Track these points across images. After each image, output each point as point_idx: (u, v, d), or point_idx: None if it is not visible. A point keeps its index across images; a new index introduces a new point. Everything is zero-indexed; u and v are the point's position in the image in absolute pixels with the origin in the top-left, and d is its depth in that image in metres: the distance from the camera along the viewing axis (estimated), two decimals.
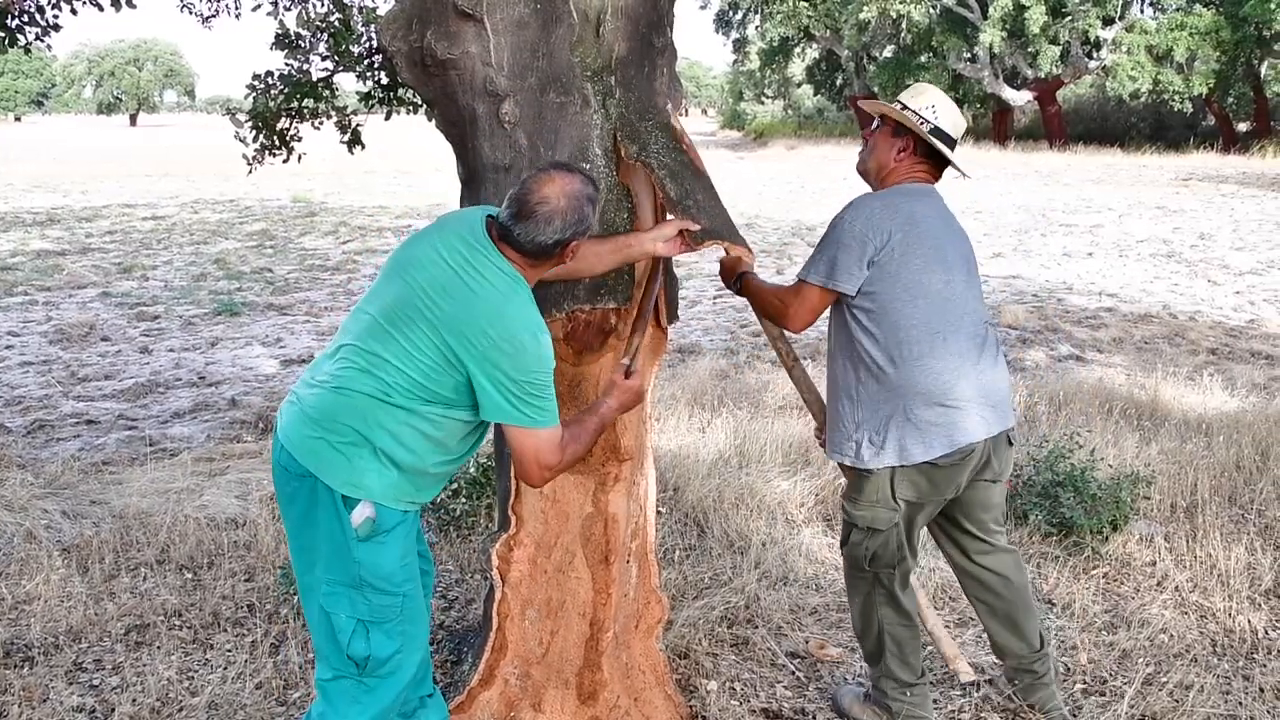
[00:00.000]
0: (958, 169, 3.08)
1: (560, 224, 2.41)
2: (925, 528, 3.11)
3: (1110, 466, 4.99)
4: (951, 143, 2.98)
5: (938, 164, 3.01)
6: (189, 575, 4.14)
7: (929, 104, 2.96)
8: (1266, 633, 3.74)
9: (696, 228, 2.74)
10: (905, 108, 2.97)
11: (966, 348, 2.87)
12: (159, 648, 3.56)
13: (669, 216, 2.85)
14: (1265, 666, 3.52)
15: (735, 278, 3.17)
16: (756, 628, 3.73)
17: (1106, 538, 4.39)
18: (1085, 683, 3.43)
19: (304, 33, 6.56)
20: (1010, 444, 3.03)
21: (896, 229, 2.84)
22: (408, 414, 2.41)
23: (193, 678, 3.39)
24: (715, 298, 11.12)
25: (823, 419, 3.17)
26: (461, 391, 2.43)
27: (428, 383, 2.40)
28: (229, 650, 3.55)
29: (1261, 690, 3.38)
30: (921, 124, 2.94)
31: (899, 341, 2.82)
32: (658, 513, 4.58)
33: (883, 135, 3.02)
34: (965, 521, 3.09)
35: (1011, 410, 3.03)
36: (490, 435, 3.02)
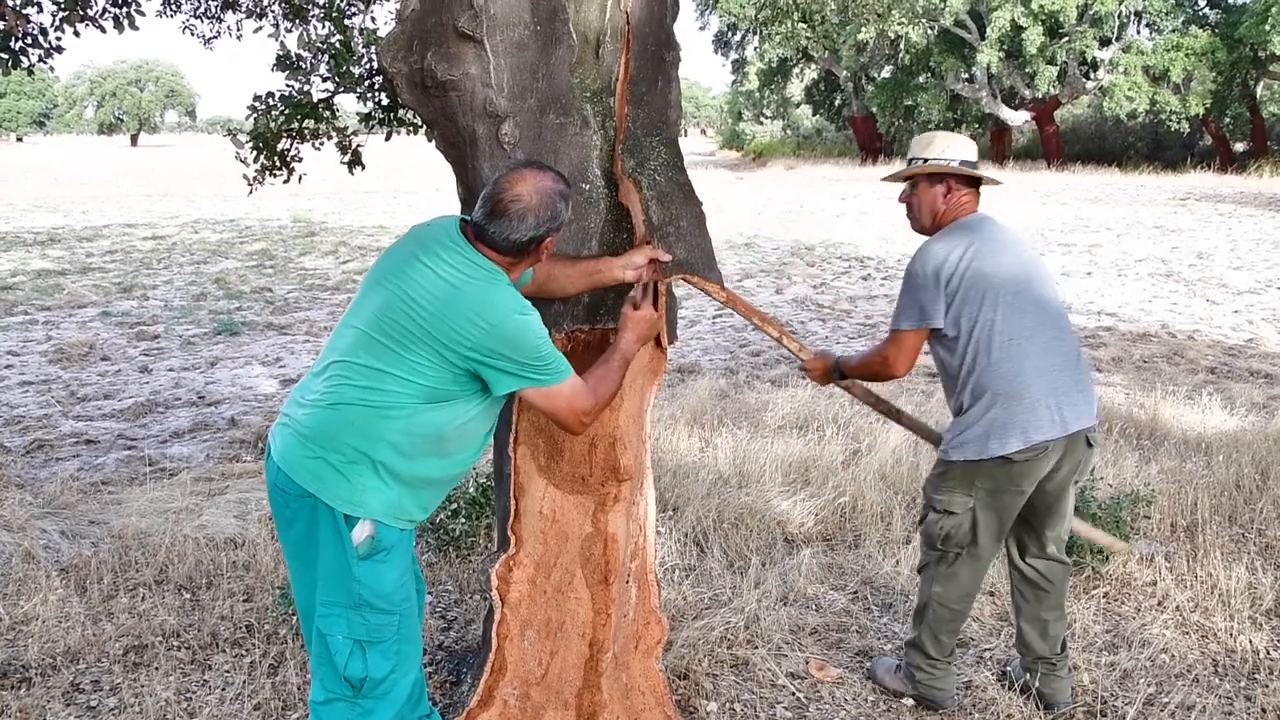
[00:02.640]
0: (993, 181, 3.36)
1: (534, 220, 2.45)
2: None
3: (1110, 486, 4.99)
4: (975, 165, 3.28)
5: (975, 189, 3.29)
6: (187, 595, 4.13)
7: (943, 147, 3.25)
8: (1268, 653, 3.73)
9: (667, 258, 2.77)
10: (926, 160, 3.25)
11: (1041, 351, 3.13)
12: (157, 668, 3.55)
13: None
14: (1267, 687, 3.51)
15: (832, 370, 3.43)
16: (756, 648, 3.72)
17: (1107, 557, 4.38)
18: (1087, 703, 3.41)
19: (305, 54, 6.59)
20: (1090, 445, 3.25)
21: (961, 259, 3.12)
22: (407, 421, 2.42)
23: (190, 699, 3.38)
24: (714, 317, 11.13)
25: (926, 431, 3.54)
26: (463, 382, 2.45)
27: (427, 382, 2.42)
28: (227, 671, 3.54)
29: (1264, 711, 3.36)
30: (951, 165, 3.23)
31: (974, 350, 3.12)
32: (657, 533, 4.57)
33: (923, 190, 3.28)
34: (1034, 521, 3.33)
35: (1093, 412, 3.23)
36: (489, 450, 3.02)
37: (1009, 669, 3.56)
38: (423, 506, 2.55)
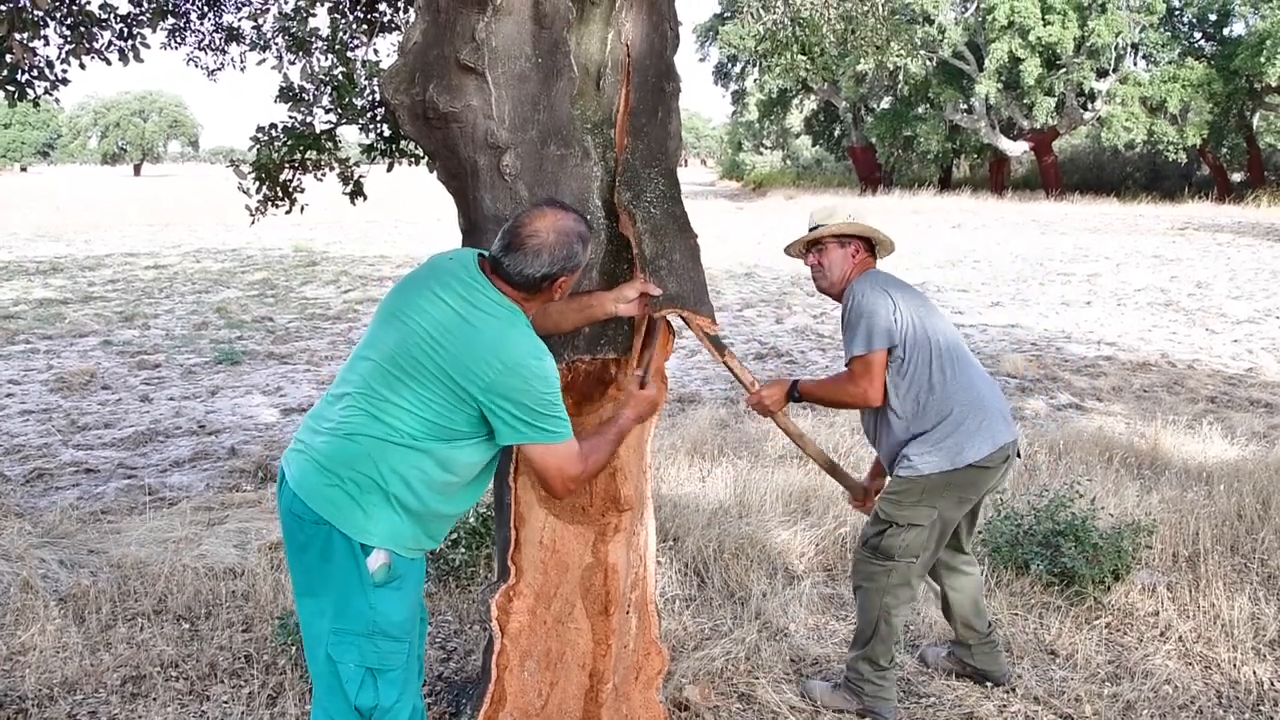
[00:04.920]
0: (890, 246, 3.63)
1: (548, 258, 2.46)
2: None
3: (1111, 515, 4.98)
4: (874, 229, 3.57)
5: (872, 251, 3.59)
6: (186, 625, 4.11)
7: (847, 214, 3.54)
8: (1272, 684, 3.71)
9: (658, 292, 2.79)
10: (829, 227, 3.50)
11: (978, 370, 3.46)
12: (155, 699, 3.53)
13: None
14: (1272, 718, 3.49)
15: (786, 396, 3.50)
16: (757, 679, 3.70)
17: (1108, 587, 4.36)
18: None
19: (308, 86, 6.64)
20: (1019, 455, 3.53)
21: (893, 293, 3.39)
22: (419, 455, 2.42)
23: None
24: None
25: (848, 483, 3.77)
26: (474, 424, 2.45)
27: (441, 420, 2.42)
28: (225, 702, 3.52)
29: None
30: (859, 225, 3.52)
31: (934, 369, 3.34)
32: (657, 563, 4.56)
33: (832, 251, 3.52)
34: (964, 521, 3.58)
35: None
36: (489, 484, 3.01)
37: (928, 658, 3.88)
38: (432, 536, 2.56)
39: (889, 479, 3.52)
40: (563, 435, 2.49)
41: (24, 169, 79.72)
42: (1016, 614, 4.23)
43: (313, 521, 2.43)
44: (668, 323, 2.95)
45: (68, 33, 5.69)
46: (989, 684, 3.69)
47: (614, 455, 2.68)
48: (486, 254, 2.56)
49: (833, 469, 3.71)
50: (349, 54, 6.71)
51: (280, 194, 6.60)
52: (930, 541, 3.40)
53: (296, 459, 2.51)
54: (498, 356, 2.39)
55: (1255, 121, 36.52)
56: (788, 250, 3.70)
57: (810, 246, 3.57)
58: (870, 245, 3.56)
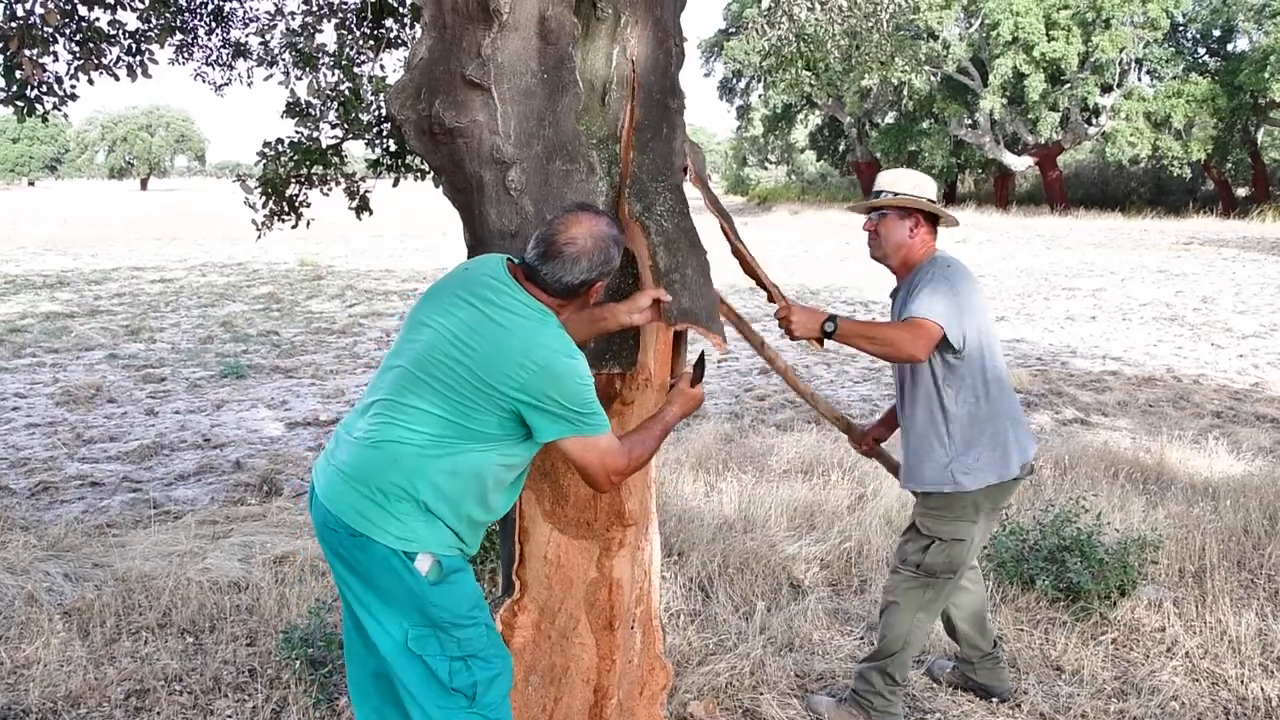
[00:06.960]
0: (952, 220, 3.55)
1: (587, 264, 2.46)
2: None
3: (1117, 531, 4.96)
4: (935, 204, 3.50)
5: (933, 227, 3.50)
6: (190, 639, 4.11)
7: (913, 184, 3.46)
8: None
9: (669, 298, 2.79)
10: (897, 194, 3.44)
11: (1011, 383, 3.47)
12: (159, 713, 3.53)
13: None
14: None
15: (825, 323, 3.30)
16: (762, 694, 3.69)
17: (1114, 603, 4.35)
18: None
19: (314, 101, 6.67)
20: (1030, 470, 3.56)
21: (963, 291, 3.28)
22: (450, 460, 2.41)
23: None
24: (720, 361, 11.14)
25: (845, 426, 3.66)
26: (507, 425, 2.44)
27: (470, 424, 2.41)
28: (229, 716, 3.51)
29: None
30: (921, 201, 3.43)
31: (987, 380, 3.32)
32: (662, 578, 4.55)
33: (892, 220, 3.45)
34: None
35: None
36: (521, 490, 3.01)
37: (935, 672, 3.88)
38: (470, 539, 2.54)
39: (926, 495, 3.39)
40: (601, 428, 2.48)
41: (31, 183, 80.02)
42: (1022, 629, 4.22)
43: (349, 534, 2.42)
44: (678, 336, 2.96)
45: (76, 49, 5.74)
46: (994, 700, 3.67)
47: (657, 450, 2.67)
48: (516, 260, 2.56)
49: (833, 415, 3.63)
50: (355, 69, 6.73)
51: (286, 209, 6.62)
52: (970, 556, 3.40)
53: (326, 471, 2.50)
54: (530, 357, 2.39)
55: (1260, 137, 36.58)
56: (850, 208, 3.65)
57: (871, 211, 3.50)
58: (932, 220, 3.47)
